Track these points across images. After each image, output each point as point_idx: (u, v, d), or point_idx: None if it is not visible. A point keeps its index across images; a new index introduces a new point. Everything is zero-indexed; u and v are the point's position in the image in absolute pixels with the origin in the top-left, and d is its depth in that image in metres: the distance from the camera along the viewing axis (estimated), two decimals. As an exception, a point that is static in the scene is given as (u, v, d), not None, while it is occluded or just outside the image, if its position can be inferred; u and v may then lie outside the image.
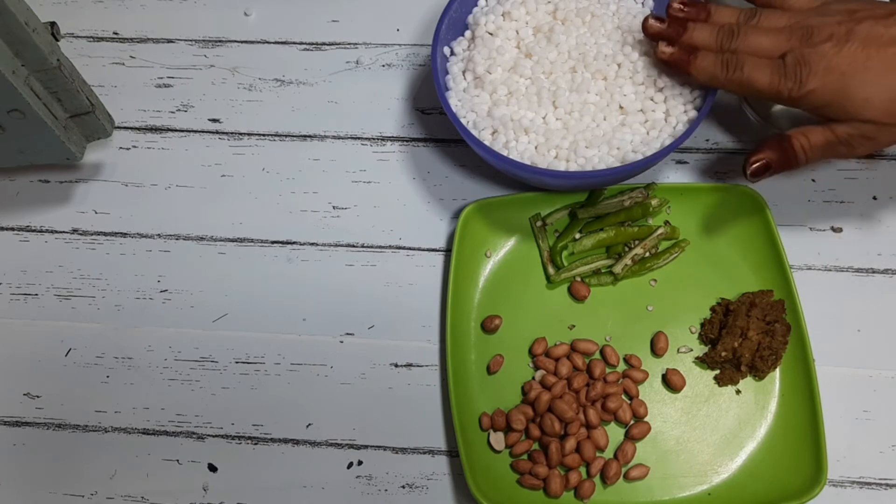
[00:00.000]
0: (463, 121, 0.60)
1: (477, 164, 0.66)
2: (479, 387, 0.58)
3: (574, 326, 0.60)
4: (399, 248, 0.64)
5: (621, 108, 0.60)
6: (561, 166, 0.58)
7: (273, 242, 0.65)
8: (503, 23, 0.63)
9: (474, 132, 0.59)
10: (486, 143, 0.59)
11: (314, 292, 0.63)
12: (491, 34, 0.62)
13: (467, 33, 0.64)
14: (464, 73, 0.62)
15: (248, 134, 0.69)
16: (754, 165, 0.55)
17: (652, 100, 0.59)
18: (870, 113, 0.51)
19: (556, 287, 0.61)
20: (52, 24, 0.56)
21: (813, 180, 0.64)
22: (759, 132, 0.62)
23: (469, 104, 0.61)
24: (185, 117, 0.70)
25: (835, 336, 0.59)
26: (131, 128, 0.70)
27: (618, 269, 0.60)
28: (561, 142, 0.58)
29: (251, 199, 0.66)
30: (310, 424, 0.59)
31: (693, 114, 0.59)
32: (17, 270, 0.65)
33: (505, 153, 0.58)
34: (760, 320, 0.56)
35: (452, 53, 0.63)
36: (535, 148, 0.59)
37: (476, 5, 0.64)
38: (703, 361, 0.58)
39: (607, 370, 0.58)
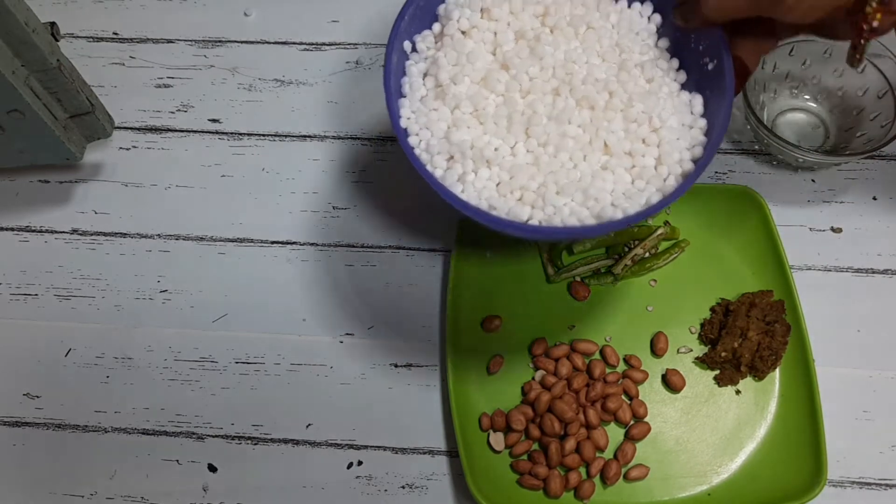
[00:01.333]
0: (414, 139, 0.49)
1: (477, 165, 0.66)
2: (479, 387, 0.58)
3: (574, 326, 0.60)
4: (399, 248, 0.64)
5: (606, 146, 0.48)
6: (524, 213, 0.46)
7: (273, 242, 0.65)
8: (480, 21, 0.51)
9: (425, 156, 0.48)
10: (438, 173, 0.48)
11: (314, 292, 0.63)
12: (464, 33, 0.51)
13: (436, 27, 0.52)
14: (424, 76, 0.51)
15: (248, 134, 0.69)
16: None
17: (644, 141, 0.48)
18: None
19: (556, 287, 0.61)
20: (52, 24, 0.57)
21: (813, 180, 0.64)
22: (759, 138, 0.62)
23: (424, 119, 0.49)
24: (185, 117, 0.70)
25: (835, 336, 0.59)
26: (131, 128, 0.70)
27: (618, 269, 0.60)
28: (528, 182, 0.47)
29: (251, 199, 0.66)
30: (310, 424, 0.59)
31: (689, 166, 0.47)
32: (16, 270, 0.65)
33: (459, 189, 0.47)
34: (760, 320, 0.56)
35: (414, 50, 0.51)
36: (497, 185, 0.47)
37: None
38: (702, 362, 0.58)
39: (607, 370, 0.58)
